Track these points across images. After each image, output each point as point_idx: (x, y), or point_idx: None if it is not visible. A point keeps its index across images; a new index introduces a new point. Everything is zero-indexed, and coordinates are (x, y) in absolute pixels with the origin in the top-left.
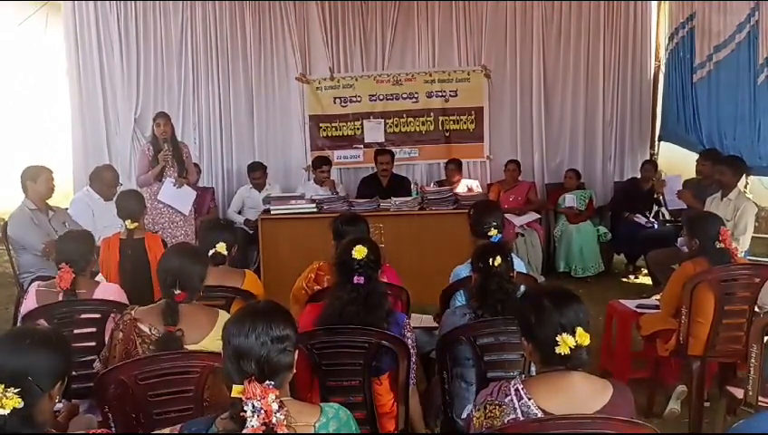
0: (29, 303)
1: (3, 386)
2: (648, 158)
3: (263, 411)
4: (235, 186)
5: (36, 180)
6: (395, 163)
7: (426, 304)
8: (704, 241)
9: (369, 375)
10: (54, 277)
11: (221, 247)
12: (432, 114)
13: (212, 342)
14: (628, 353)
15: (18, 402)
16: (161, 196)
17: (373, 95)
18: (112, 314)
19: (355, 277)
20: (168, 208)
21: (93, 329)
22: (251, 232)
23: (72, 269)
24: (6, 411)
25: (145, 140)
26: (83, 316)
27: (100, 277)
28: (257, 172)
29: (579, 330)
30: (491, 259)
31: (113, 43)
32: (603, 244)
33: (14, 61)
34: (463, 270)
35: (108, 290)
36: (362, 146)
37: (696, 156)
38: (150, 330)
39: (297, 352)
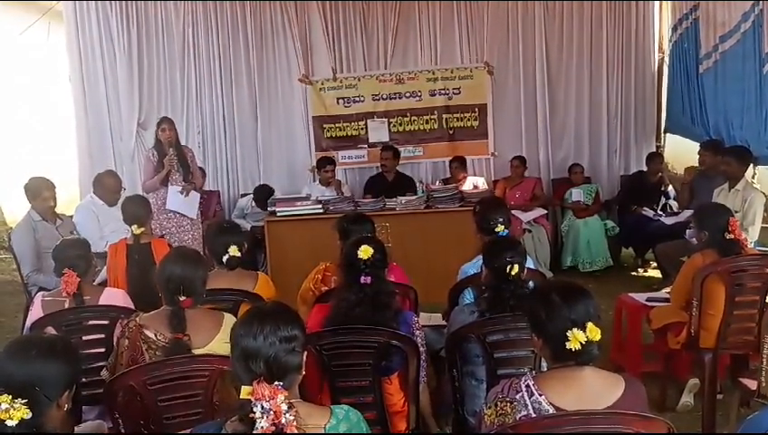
0: (35, 313)
1: (10, 397)
2: (654, 150)
3: (272, 412)
4: (240, 188)
5: (36, 198)
6: (400, 162)
7: (434, 303)
8: (713, 233)
9: (379, 375)
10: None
11: (234, 250)
12: (436, 112)
13: (218, 345)
14: (639, 347)
15: (26, 413)
16: (169, 205)
17: (376, 95)
18: (120, 320)
19: (362, 277)
20: (175, 213)
21: (102, 335)
22: (258, 236)
23: (75, 273)
24: (14, 422)
25: (149, 145)
26: (91, 323)
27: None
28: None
29: (589, 325)
30: (508, 267)
31: (115, 48)
32: (611, 238)
33: (17, 67)
34: (470, 268)
35: (113, 296)
36: (366, 146)
37: None
38: (156, 336)
39: (306, 353)
